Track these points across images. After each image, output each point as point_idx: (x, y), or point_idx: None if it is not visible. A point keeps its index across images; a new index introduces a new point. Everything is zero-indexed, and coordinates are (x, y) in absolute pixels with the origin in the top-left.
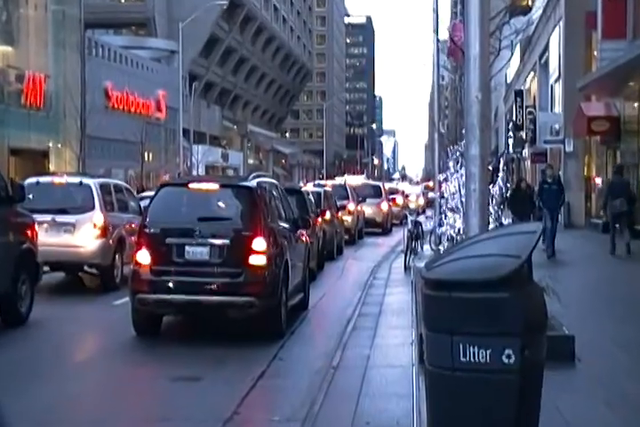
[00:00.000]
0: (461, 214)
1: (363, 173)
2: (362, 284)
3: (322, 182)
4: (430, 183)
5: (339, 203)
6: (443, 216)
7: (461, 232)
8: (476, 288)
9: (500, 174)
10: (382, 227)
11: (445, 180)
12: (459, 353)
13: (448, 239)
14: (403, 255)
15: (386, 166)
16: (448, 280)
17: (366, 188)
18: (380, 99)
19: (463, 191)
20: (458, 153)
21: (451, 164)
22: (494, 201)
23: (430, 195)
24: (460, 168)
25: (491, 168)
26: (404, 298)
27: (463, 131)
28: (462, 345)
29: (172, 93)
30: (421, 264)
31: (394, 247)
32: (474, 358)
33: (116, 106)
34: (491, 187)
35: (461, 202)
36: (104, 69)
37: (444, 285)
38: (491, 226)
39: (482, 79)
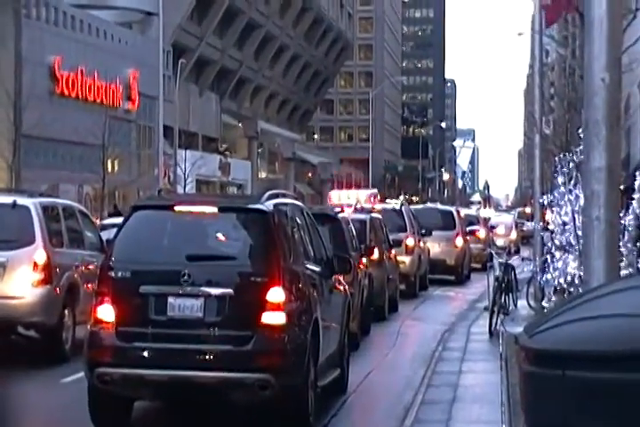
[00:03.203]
0: (577, 255)
1: (425, 194)
2: (426, 356)
3: (367, 206)
4: (528, 209)
5: (392, 236)
6: (548, 258)
7: (577, 281)
8: (603, 365)
9: (637, 196)
10: (456, 272)
11: (552, 204)
12: None
13: (556, 291)
14: (487, 315)
15: (461, 184)
16: (561, 352)
17: (432, 214)
18: (453, 84)
19: (580, 221)
20: (571, 164)
21: (560, 180)
22: (627, 236)
23: (528, 226)
24: (575, 187)
25: (622, 187)
26: (490, 378)
27: (579, 131)
28: None
29: (147, 75)
30: (517, 328)
31: (473, 303)
32: None
33: (66, 92)
34: (622, 215)
35: (577, 236)
36: (49, 39)
37: (554, 359)
38: (623, 272)
39: (610, 53)
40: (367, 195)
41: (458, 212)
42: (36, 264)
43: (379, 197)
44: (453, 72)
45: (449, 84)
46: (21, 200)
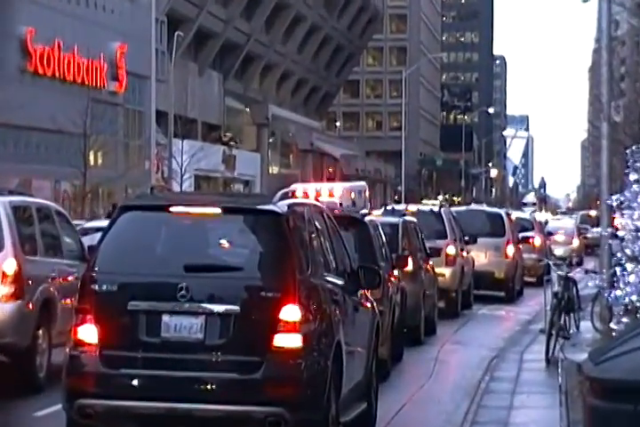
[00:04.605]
0: None
1: (471, 193)
2: (470, 388)
3: (400, 207)
4: (593, 212)
5: (429, 244)
6: (617, 270)
7: None
8: None
9: None
10: (506, 287)
11: (622, 206)
12: None
13: (627, 311)
14: (543, 339)
15: (512, 182)
16: (633, 383)
17: (478, 218)
18: (503, 62)
19: None
20: None
21: (632, 177)
22: None
23: (593, 232)
24: None
25: None
26: (547, 414)
27: None
28: None
29: (137, 50)
30: (579, 355)
31: (527, 324)
32: None
33: (40, 70)
34: None
35: None
36: (20, 7)
37: (625, 391)
38: None
39: None
40: (345, 189)
41: (508, 215)
42: (4, 275)
43: (366, 194)
44: (503, 47)
45: (498, 62)
46: None
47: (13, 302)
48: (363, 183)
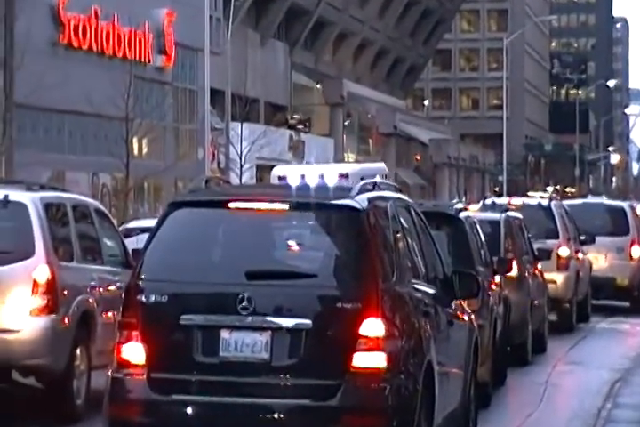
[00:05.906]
0: None
1: (587, 184)
2: (588, 417)
3: (501, 201)
4: None
5: (537, 245)
6: None
7: None
8: None
9: None
10: (631, 296)
11: None
12: None
13: None
14: None
15: (637, 169)
16: None
17: (596, 213)
18: (625, 25)
19: None
20: None
21: None
22: None
23: None
24: None
25: None
26: None
27: None
28: None
29: (188, 17)
30: None
31: None
32: None
33: (74, 43)
34: None
35: None
36: None
37: None
38: None
39: None
40: (351, 174)
41: (633, 209)
42: (36, 284)
43: (383, 178)
44: (625, 8)
45: (619, 26)
46: (15, 195)
47: (46, 317)
48: (381, 166)
